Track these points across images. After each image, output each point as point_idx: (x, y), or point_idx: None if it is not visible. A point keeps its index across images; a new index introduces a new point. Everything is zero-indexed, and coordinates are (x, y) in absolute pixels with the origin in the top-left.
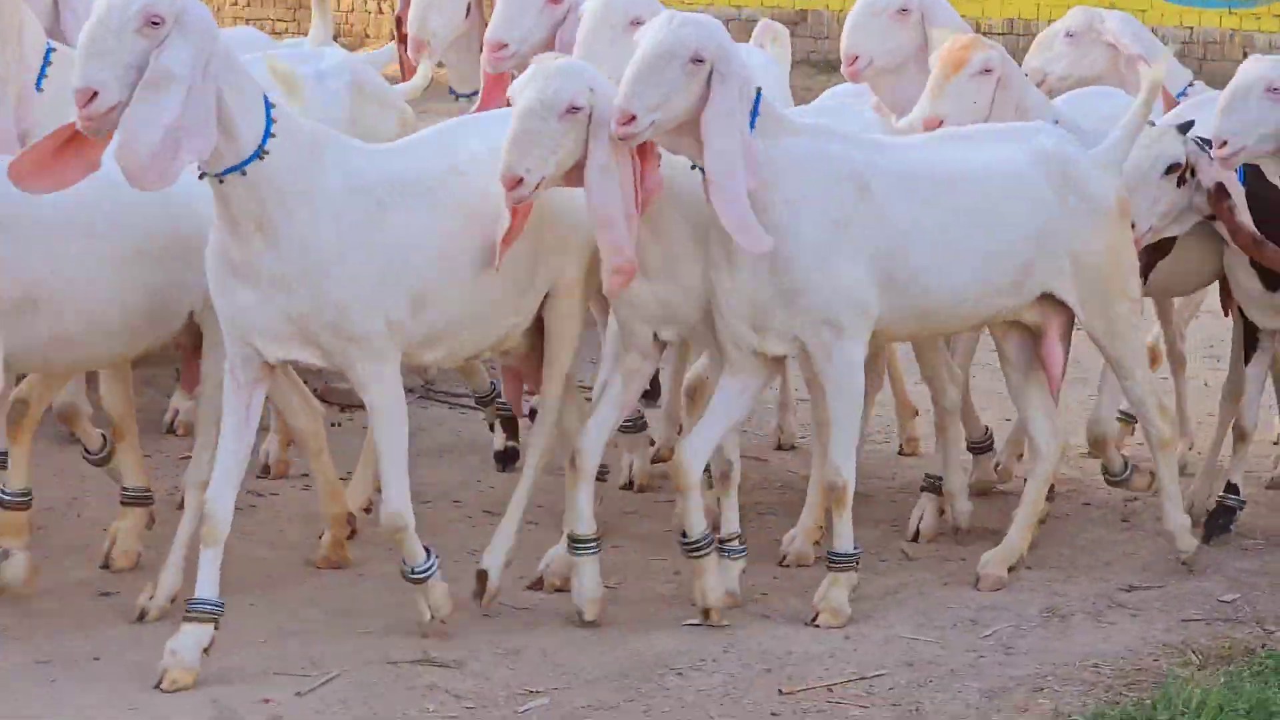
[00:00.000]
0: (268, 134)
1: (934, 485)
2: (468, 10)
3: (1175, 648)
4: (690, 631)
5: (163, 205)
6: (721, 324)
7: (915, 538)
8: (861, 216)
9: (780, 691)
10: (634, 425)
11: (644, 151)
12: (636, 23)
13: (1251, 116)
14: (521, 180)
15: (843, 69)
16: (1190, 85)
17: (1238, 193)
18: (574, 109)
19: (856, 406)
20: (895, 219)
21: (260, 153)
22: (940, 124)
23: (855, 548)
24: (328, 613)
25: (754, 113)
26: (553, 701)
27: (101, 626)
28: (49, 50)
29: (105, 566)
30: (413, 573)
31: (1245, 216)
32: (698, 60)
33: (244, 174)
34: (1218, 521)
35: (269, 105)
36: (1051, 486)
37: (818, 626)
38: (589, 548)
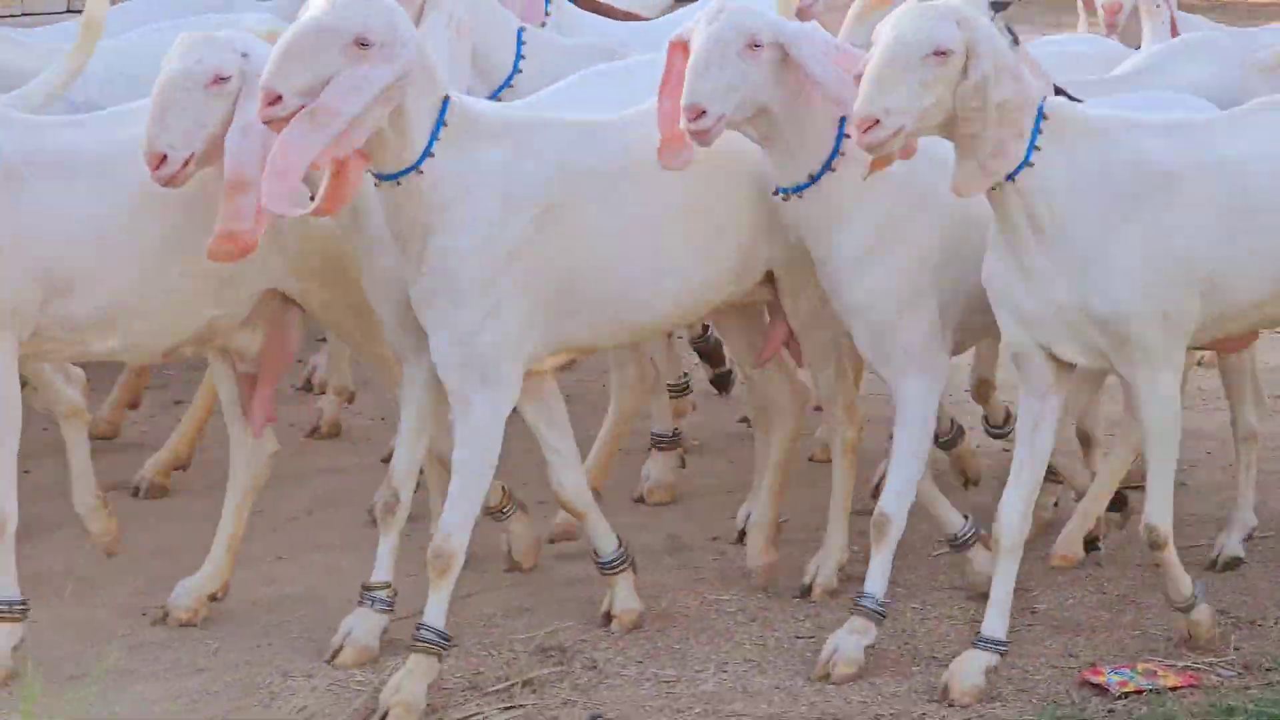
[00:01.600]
0: None
1: None
2: None
3: None
4: None
5: None
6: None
7: None
8: (543, 239)
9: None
10: None
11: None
12: None
13: (728, 78)
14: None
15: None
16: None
17: None
18: (221, 79)
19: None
20: (589, 231)
21: None
22: None
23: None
24: None
25: (439, 120)
26: None
27: None
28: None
29: None
30: None
31: None
32: (363, 44)
33: None
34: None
35: None
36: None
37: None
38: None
